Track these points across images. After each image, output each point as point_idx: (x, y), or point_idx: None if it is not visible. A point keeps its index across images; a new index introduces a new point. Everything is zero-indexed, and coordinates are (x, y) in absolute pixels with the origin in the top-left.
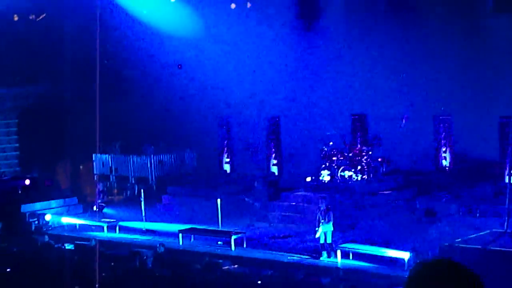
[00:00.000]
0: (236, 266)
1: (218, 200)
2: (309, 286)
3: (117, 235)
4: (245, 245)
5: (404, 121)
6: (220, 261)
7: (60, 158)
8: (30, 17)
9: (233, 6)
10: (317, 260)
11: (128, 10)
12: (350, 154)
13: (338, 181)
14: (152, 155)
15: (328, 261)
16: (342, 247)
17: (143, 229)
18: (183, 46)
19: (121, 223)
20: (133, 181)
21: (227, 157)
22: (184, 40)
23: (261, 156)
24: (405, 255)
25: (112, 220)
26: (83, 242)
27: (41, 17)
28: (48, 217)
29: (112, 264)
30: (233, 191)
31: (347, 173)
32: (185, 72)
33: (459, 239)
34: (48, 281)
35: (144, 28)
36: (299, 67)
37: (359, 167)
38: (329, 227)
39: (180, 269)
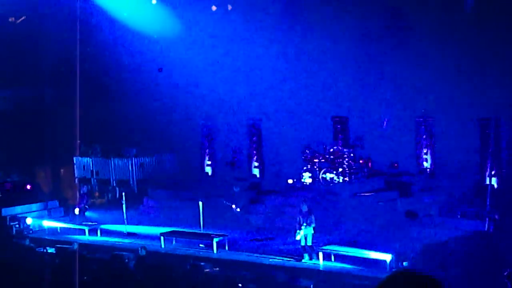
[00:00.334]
0: (218, 269)
1: (200, 203)
2: None
3: (98, 238)
4: (227, 248)
5: (385, 123)
6: (202, 263)
7: (41, 162)
8: (10, 20)
9: (214, 8)
10: (299, 262)
11: (109, 13)
12: (332, 157)
13: (320, 183)
14: (133, 158)
15: (310, 263)
16: (324, 249)
17: (125, 232)
18: (164, 48)
19: (102, 226)
20: (114, 184)
21: (209, 160)
22: (165, 43)
23: (242, 159)
24: (386, 257)
25: (93, 223)
26: (64, 246)
27: (20, 19)
28: (29, 221)
29: (94, 267)
30: (215, 194)
31: (328, 175)
32: (166, 75)
33: (441, 240)
34: (29, 285)
35: (125, 30)
36: (280, 70)
37: (340, 169)
38: (310, 230)
39: (162, 272)
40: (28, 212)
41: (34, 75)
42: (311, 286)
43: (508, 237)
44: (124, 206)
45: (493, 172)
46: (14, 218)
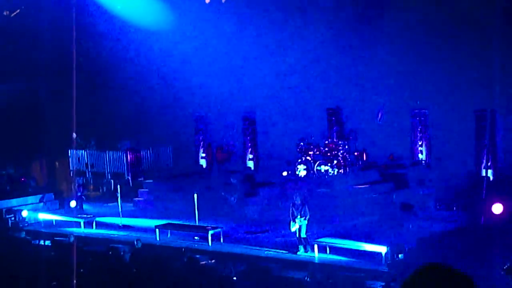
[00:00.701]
0: (213, 261)
1: (195, 195)
2: (286, 280)
3: (94, 231)
4: (221, 240)
5: (380, 115)
6: (198, 256)
7: (36, 155)
8: (5, 13)
9: (207, 0)
10: (294, 255)
11: (103, 6)
12: (326, 149)
13: (315, 175)
14: (128, 151)
15: (305, 255)
16: (319, 242)
17: (120, 225)
18: (158, 41)
19: (98, 219)
20: (109, 177)
21: (203, 152)
22: (159, 36)
23: (237, 151)
24: (382, 249)
25: (89, 215)
26: (60, 238)
27: (15, 12)
28: (24, 213)
29: (90, 260)
30: (210, 186)
31: (323, 168)
32: (161, 68)
33: (436, 233)
34: (25, 278)
35: (119, 24)
36: (275, 62)
37: (335, 162)
38: (304, 221)
39: (158, 264)
40: (24, 205)
41: (29, 68)
42: (306, 278)
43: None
44: (119, 198)
45: (488, 164)
46: (9, 210)
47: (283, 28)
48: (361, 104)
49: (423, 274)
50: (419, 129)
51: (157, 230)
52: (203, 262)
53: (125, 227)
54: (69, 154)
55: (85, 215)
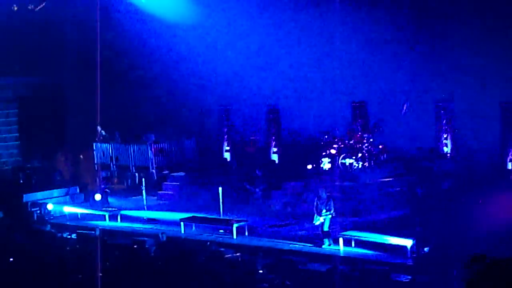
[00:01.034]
0: (238, 254)
1: (220, 188)
2: (310, 273)
3: (119, 224)
4: (246, 233)
5: (405, 108)
6: (222, 249)
7: (61, 147)
8: (29, 7)
9: None
10: (319, 248)
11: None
12: (351, 142)
13: (339, 169)
14: (152, 144)
15: (330, 248)
16: (344, 235)
17: (145, 218)
18: (183, 34)
19: (122, 212)
20: (133, 170)
21: (227, 145)
22: (184, 28)
23: (261, 145)
24: (407, 242)
25: (113, 209)
26: (85, 231)
27: (40, 6)
28: (50, 207)
29: (115, 253)
30: (234, 179)
31: (347, 161)
32: (185, 60)
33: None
34: (51, 271)
35: (144, 17)
36: (299, 55)
37: (359, 155)
38: (330, 215)
39: (183, 258)
40: (49, 198)
41: (54, 62)
42: (331, 271)
43: None
44: (143, 192)
45: None
46: (35, 204)
47: (308, 20)
48: (386, 97)
49: (489, 271)
50: (444, 121)
51: (182, 223)
52: (228, 256)
53: (150, 221)
54: (94, 147)
55: (110, 208)
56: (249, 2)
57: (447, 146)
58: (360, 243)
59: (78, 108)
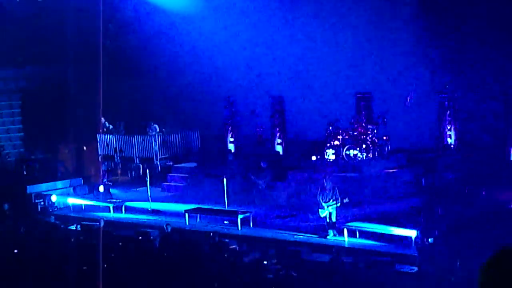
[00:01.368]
0: (243, 245)
1: (224, 180)
2: (315, 264)
3: (123, 215)
4: (251, 225)
5: (409, 100)
6: (227, 240)
7: (64, 139)
8: None
9: None
10: (323, 239)
11: None
12: (355, 133)
13: (343, 160)
14: (156, 135)
15: (334, 239)
16: (348, 226)
17: (149, 210)
18: (187, 24)
19: (127, 204)
20: (138, 162)
21: (232, 137)
22: (189, 19)
23: (265, 136)
24: (412, 233)
25: (118, 200)
26: (89, 223)
27: None
28: (54, 198)
29: (120, 244)
30: (238, 171)
31: (352, 152)
32: (189, 51)
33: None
34: (55, 262)
35: (147, 7)
36: (304, 46)
37: (364, 146)
38: (335, 205)
39: (188, 249)
40: (53, 190)
41: (57, 52)
42: (336, 262)
43: None
44: (148, 183)
45: None
46: (39, 195)
47: (313, 11)
48: (390, 88)
49: (504, 257)
50: (447, 113)
51: (186, 214)
52: (233, 246)
53: (154, 212)
54: (98, 139)
55: (114, 200)
56: None
57: (451, 138)
58: (365, 234)
59: (82, 100)
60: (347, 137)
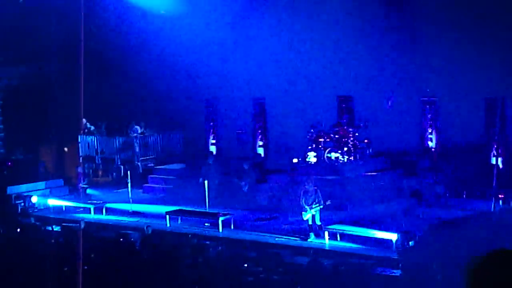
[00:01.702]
0: (224, 247)
1: (206, 182)
2: (296, 267)
3: (104, 217)
4: (232, 227)
5: (390, 103)
6: (208, 242)
7: (45, 140)
8: None
9: None
10: (304, 242)
11: None
12: (337, 136)
13: (325, 162)
14: (138, 136)
15: (315, 242)
16: (329, 228)
17: (130, 211)
18: (169, 26)
19: (107, 205)
20: (119, 163)
21: (213, 139)
22: (169, 20)
23: (247, 138)
24: (393, 236)
25: (98, 202)
26: (70, 224)
27: None
28: (34, 199)
29: (100, 246)
30: (220, 173)
31: (333, 155)
32: (171, 52)
33: (446, 220)
34: (35, 264)
35: (129, 6)
36: (285, 48)
37: (345, 149)
38: (319, 208)
39: (168, 251)
40: (33, 191)
41: (39, 52)
42: (316, 265)
43: None
44: (129, 184)
45: (499, 152)
46: (19, 196)
47: (294, 13)
48: (372, 92)
49: (491, 260)
50: (428, 116)
51: (167, 216)
52: (214, 249)
53: (135, 213)
54: (79, 140)
55: (95, 201)
56: None
57: (432, 141)
58: (346, 237)
59: (63, 100)
60: (328, 140)
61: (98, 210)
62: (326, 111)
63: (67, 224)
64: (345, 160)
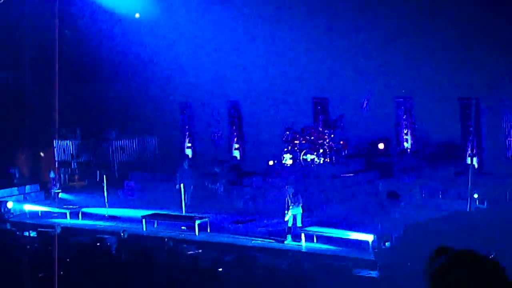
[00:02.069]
0: (200, 251)
1: (181, 185)
2: (273, 269)
3: (80, 221)
4: (208, 230)
5: (365, 104)
6: (184, 246)
7: (21, 145)
8: None
9: None
10: (281, 244)
11: None
12: (312, 138)
13: (301, 164)
14: (113, 141)
15: (292, 244)
16: (306, 230)
17: (106, 216)
18: (142, 30)
19: (83, 210)
20: (94, 167)
21: (189, 142)
22: (143, 24)
23: (222, 141)
24: (369, 238)
25: (74, 206)
26: (46, 229)
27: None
28: (10, 205)
29: (76, 250)
30: (195, 176)
31: (309, 157)
32: (145, 57)
33: (422, 221)
34: (10, 269)
35: (104, 14)
36: (260, 51)
37: (321, 151)
38: (298, 210)
39: (144, 255)
40: (9, 196)
41: (13, 58)
42: (292, 267)
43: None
44: (105, 189)
45: (474, 152)
46: None
47: (268, 17)
48: (347, 93)
49: (453, 262)
50: (404, 117)
51: (143, 220)
52: (190, 252)
53: (112, 218)
54: (54, 145)
55: (71, 206)
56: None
57: (407, 142)
58: (322, 239)
59: (38, 105)
60: (304, 141)
61: (74, 215)
62: (301, 113)
63: (43, 229)
64: (321, 161)
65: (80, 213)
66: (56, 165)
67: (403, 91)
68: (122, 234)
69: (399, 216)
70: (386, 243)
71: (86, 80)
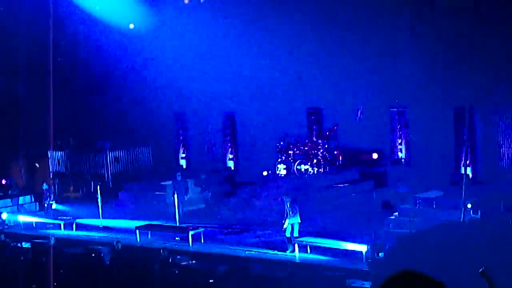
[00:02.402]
0: (194, 262)
1: (175, 196)
2: (266, 280)
3: (74, 232)
4: (202, 241)
5: (359, 114)
6: (178, 257)
7: (15, 156)
8: None
9: (186, 1)
10: (274, 255)
11: (82, 7)
12: (306, 148)
13: (295, 174)
14: (107, 152)
15: (285, 255)
16: (299, 241)
17: (100, 226)
18: (137, 42)
19: (78, 221)
20: (89, 178)
21: (183, 153)
22: (138, 36)
23: (217, 151)
24: (362, 248)
25: (68, 217)
26: (40, 240)
27: None
28: (4, 216)
29: (70, 261)
30: (189, 187)
31: (303, 167)
32: (140, 68)
33: (416, 231)
34: (4, 280)
35: (98, 24)
36: (254, 62)
37: (315, 161)
38: (296, 219)
39: (138, 265)
40: (3, 207)
41: (8, 68)
42: (286, 278)
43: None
44: (99, 200)
45: (468, 162)
46: None
47: (262, 27)
48: (341, 103)
49: (395, 283)
50: (398, 126)
51: (137, 231)
52: (184, 263)
53: (106, 229)
54: (49, 156)
55: (65, 217)
56: (204, 9)
57: (401, 152)
58: (316, 249)
59: (33, 116)
60: (298, 151)
61: (68, 226)
62: (296, 123)
63: (37, 241)
64: (315, 172)
65: (74, 224)
66: (51, 176)
67: (397, 101)
68: (116, 245)
69: (393, 226)
70: (380, 254)
71: (81, 91)
